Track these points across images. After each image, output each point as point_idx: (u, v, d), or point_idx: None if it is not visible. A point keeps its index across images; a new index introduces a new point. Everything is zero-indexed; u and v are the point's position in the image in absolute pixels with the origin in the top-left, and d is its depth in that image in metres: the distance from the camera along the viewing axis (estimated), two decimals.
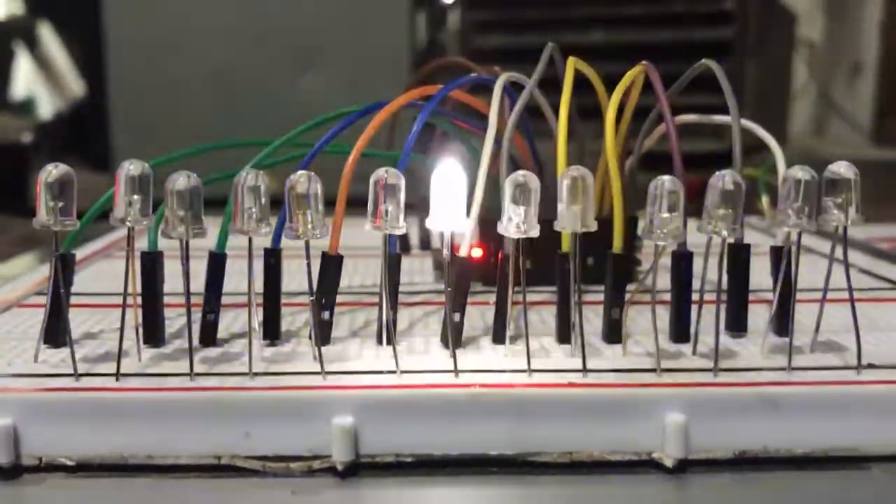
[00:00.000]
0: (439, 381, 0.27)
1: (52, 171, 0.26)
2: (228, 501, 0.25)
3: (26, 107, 1.34)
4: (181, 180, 0.26)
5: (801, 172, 0.27)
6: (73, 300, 0.30)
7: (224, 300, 0.31)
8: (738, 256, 0.30)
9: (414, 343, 0.31)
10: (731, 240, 0.28)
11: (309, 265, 0.28)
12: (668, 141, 0.32)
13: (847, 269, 0.28)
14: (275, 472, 0.26)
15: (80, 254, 0.43)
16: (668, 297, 0.31)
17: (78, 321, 0.33)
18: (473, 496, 0.25)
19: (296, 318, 0.34)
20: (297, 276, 0.35)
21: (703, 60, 0.34)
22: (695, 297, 0.30)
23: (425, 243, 0.48)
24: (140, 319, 0.30)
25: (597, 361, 0.28)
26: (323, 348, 0.28)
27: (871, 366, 0.28)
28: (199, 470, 0.26)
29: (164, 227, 0.27)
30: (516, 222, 0.27)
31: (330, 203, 0.28)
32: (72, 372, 0.27)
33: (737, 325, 0.31)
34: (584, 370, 0.27)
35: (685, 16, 1.03)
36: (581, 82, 0.35)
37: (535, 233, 0.27)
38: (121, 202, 0.27)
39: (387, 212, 0.27)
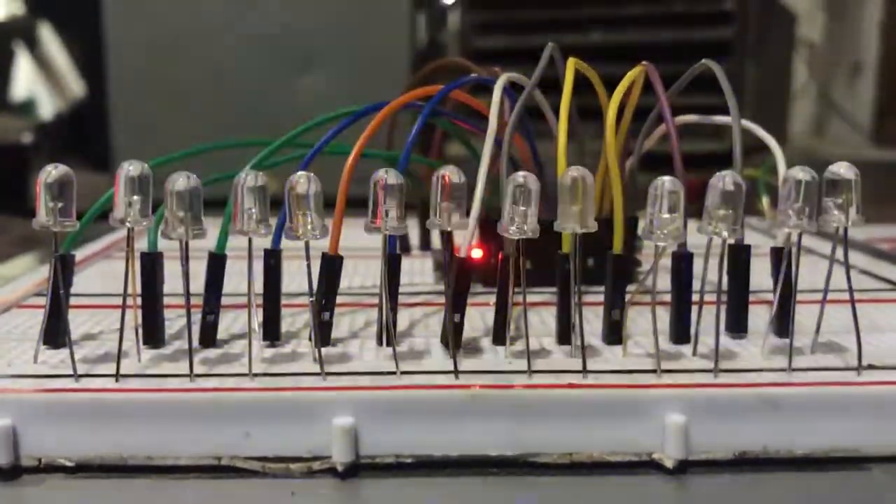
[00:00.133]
0: (439, 382, 0.27)
1: (52, 171, 0.26)
2: (228, 502, 0.25)
3: (26, 107, 1.34)
4: (181, 181, 0.26)
5: (802, 173, 0.27)
6: (73, 301, 0.30)
7: (224, 301, 0.31)
8: (739, 257, 0.30)
9: (414, 344, 0.31)
10: (731, 240, 0.28)
11: (309, 266, 0.28)
12: (669, 141, 0.32)
13: (847, 270, 0.28)
14: (275, 473, 0.25)
15: (79, 254, 0.43)
16: (668, 297, 0.30)
17: (77, 322, 0.33)
18: (473, 497, 0.25)
19: (296, 318, 0.34)
20: (296, 277, 0.35)
21: (704, 61, 0.34)
22: (695, 297, 0.30)
23: (425, 244, 0.48)
24: (140, 320, 0.30)
25: (597, 362, 0.28)
26: (323, 349, 0.28)
27: (871, 367, 0.28)
28: (198, 471, 0.26)
29: (163, 228, 0.27)
30: (516, 223, 0.27)
31: (330, 203, 0.28)
32: (71, 373, 0.27)
33: (737, 326, 0.31)
34: (584, 371, 0.27)
35: (685, 16, 1.03)
36: (581, 83, 0.35)
37: (535, 233, 0.27)
38: (120, 203, 0.27)
39: (387, 212, 0.27)
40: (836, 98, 1.86)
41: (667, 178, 0.27)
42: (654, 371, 0.27)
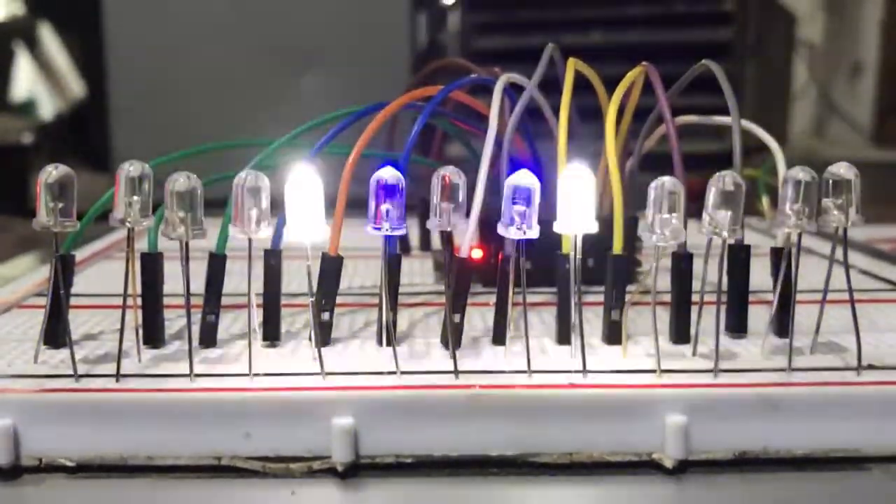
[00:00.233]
0: (439, 382, 0.27)
1: (52, 171, 0.26)
2: (228, 502, 0.25)
3: (26, 107, 1.34)
4: (181, 181, 0.26)
5: (802, 173, 0.27)
6: (73, 301, 0.30)
7: (224, 301, 0.31)
8: (739, 257, 0.30)
9: (414, 344, 0.31)
10: (731, 241, 0.28)
11: (309, 266, 0.28)
12: (669, 142, 0.32)
13: (847, 270, 0.28)
14: (275, 473, 0.26)
15: (80, 255, 0.43)
16: (668, 297, 0.31)
17: (78, 322, 0.33)
18: (473, 497, 0.25)
19: (296, 319, 0.34)
20: (297, 277, 0.35)
21: (704, 61, 0.34)
22: (695, 297, 0.30)
23: (425, 244, 0.48)
24: (140, 320, 0.30)
25: (597, 362, 0.28)
26: (323, 349, 0.28)
27: (871, 367, 0.28)
28: (199, 471, 0.26)
29: (163, 228, 0.27)
30: (516, 223, 0.27)
31: (330, 204, 0.28)
32: (72, 373, 0.27)
33: (737, 326, 0.31)
34: (585, 371, 0.27)
35: (685, 17, 1.03)
36: (581, 83, 0.35)
37: (534, 234, 0.27)
38: (121, 203, 0.27)
39: (387, 212, 0.27)
40: (836, 98, 1.85)
41: (667, 179, 0.27)
42: (654, 371, 0.27)
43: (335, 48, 1.04)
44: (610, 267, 0.30)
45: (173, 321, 0.32)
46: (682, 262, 0.30)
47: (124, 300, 0.27)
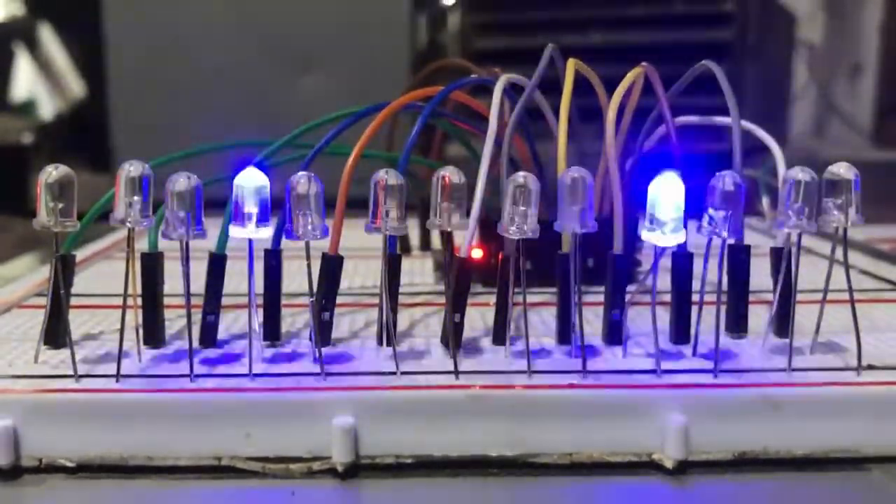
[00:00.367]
0: (439, 382, 0.27)
1: (53, 171, 0.26)
2: (228, 502, 0.25)
3: (26, 107, 1.34)
4: (181, 181, 0.26)
5: (801, 173, 0.27)
6: (74, 301, 0.30)
7: (224, 301, 0.31)
8: (739, 257, 0.30)
9: (414, 344, 0.31)
10: (731, 241, 0.28)
11: (309, 266, 0.28)
12: (669, 142, 0.32)
13: (847, 270, 0.28)
14: (275, 473, 0.26)
15: (80, 255, 0.43)
16: (668, 298, 0.31)
17: (78, 322, 0.33)
18: (473, 497, 0.25)
19: (296, 319, 0.34)
20: (297, 278, 0.35)
21: (704, 61, 0.34)
22: (695, 297, 0.30)
23: (426, 244, 0.48)
24: (140, 320, 0.30)
25: (597, 362, 0.28)
26: (323, 349, 0.28)
27: (871, 367, 0.28)
28: (199, 471, 0.26)
29: (164, 229, 0.27)
30: (516, 223, 0.27)
31: (330, 204, 0.28)
32: (72, 373, 0.27)
33: (737, 326, 0.31)
34: (585, 371, 0.27)
35: (685, 17, 1.03)
36: (581, 83, 0.35)
37: (535, 234, 0.27)
38: (121, 203, 0.27)
39: (387, 213, 0.27)
40: (836, 99, 1.85)
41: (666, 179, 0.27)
42: (654, 371, 0.27)
43: (335, 48, 1.04)
44: (610, 267, 0.30)
45: (173, 321, 0.32)
46: (682, 262, 0.30)
47: (124, 300, 0.27)
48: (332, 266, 0.30)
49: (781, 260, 0.29)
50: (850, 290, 0.28)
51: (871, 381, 0.27)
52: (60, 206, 0.26)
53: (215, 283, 0.30)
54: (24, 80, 1.34)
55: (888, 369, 0.28)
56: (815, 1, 1.84)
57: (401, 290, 0.31)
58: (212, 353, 0.30)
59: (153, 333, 0.30)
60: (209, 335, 0.30)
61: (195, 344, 0.29)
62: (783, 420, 0.26)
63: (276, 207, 0.28)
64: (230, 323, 0.33)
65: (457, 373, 0.27)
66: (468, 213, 0.29)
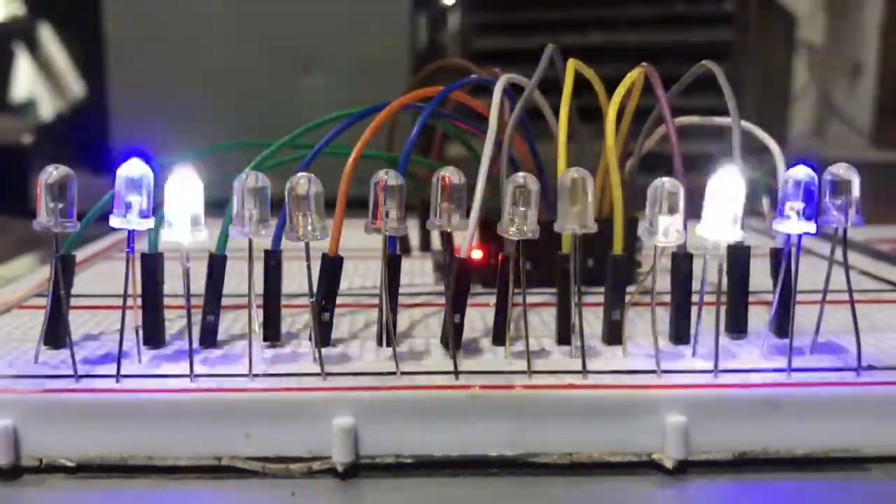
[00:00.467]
0: (439, 383, 0.27)
1: (53, 172, 0.26)
2: (228, 502, 0.25)
3: (26, 108, 1.34)
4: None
5: (802, 173, 0.27)
6: (74, 301, 0.30)
7: (224, 301, 0.31)
8: (739, 257, 0.30)
9: (414, 344, 0.31)
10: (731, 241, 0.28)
11: (309, 267, 0.28)
12: (669, 142, 0.32)
13: (847, 271, 0.28)
14: (275, 473, 0.26)
15: (80, 255, 0.43)
16: (668, 298, 0.31)
17: (78, 322, 0.33)
18: (473, 497, 0.25)
19: (296, 319, 0.34)
20: (297, 278, 0.35)
21: (704, 62, 0.34)
22: (695, 298, 0.30)
23: (425, 245, 0.48)
24: (140, 321, 0.30)
25: (597, 363, 0.28)
26: (323, 349, 0.28)
27: (870, 367, 0.28)
28: (199, 471, 0.26)
29: (164, 230, 0.27)
30: (516, 224, 0.27)
31: (330, 204, 0.28)
32: (72, 373, 0.27)
33: (737, 326, 0.31)
34: (584, 371, 0.27)
35: (685, 17, 1.03)
36: (581, 84, 0.35)
37: (535, 234, 0.27)
38: (120, 203, 0.27)
39: (387, 213, 0.27)
40: (836, 100, 1.85)
41: (666, 179, 0.27)
42: (654, 371, 0.27)
43: (335, 48, 1.04)
44: (610, 267, 0.30)
45: (173, 321, 0.32)
46: (682, 263, 0.30)
47: (124, 300, 0.27)
48: (331, 266, 0.30)
49: (781, 260, 0.29)
50: (850, 290, 0.28)
51: (871, 382, 0.27)
52: (60, 206, 0.26)
53: (215, 284, 0.30)
54: (24, 80, 1.34)
55: (888, 369, 0.28)
56: (815, 1, 1.84)
57: (401, 290, 0.31)
58: (212, 353, 0.30)
59: (153, 334, 0.30)
60: (209, 335, 0.30)
61: (195, 344, 0.29)
62: (783, 420, 0.26)
63: (277, 207, 0.28)
64: (230, 323, 0.33)
65: (457, 373, 0.27)
66: (468, 214, 0.29)
